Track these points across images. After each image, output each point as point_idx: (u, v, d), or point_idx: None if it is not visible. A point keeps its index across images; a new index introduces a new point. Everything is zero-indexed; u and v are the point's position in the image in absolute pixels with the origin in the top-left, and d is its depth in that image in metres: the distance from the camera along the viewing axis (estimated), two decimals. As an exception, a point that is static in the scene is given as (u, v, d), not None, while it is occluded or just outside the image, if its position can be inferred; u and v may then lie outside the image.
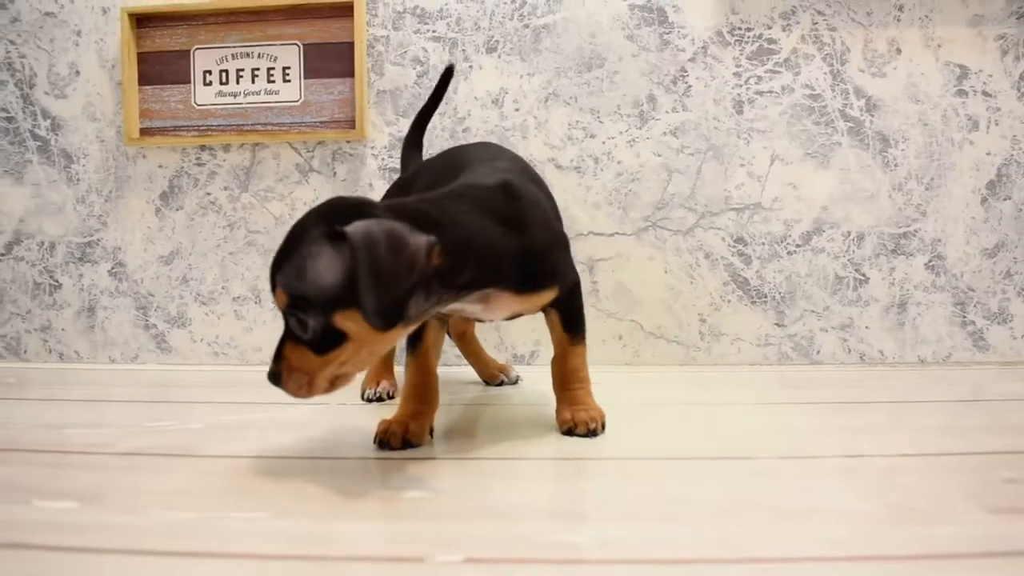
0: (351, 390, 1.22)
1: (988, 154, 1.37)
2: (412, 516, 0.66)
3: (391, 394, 1.13)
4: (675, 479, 0.77)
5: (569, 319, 0.95)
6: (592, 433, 0.90)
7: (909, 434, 0.92)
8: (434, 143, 1.40)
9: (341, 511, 0.68)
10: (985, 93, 1.37)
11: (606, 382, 1.16)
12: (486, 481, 0.77)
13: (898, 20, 1.37)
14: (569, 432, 0.91)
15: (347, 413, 1.08)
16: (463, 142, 1.40)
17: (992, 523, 0.64)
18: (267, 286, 1.44)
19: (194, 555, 0.57)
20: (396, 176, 1.41)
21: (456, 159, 1.00)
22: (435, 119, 1.40)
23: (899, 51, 1.37)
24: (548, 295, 0.90)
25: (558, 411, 0.94)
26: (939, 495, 0.71)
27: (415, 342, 0.91)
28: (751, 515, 0.66)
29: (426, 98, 1.24)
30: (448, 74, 1.22)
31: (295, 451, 0.87)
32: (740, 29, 1.38)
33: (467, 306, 0.83)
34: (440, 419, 1.00)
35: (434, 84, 1.24)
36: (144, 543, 0.60)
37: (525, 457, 0.84)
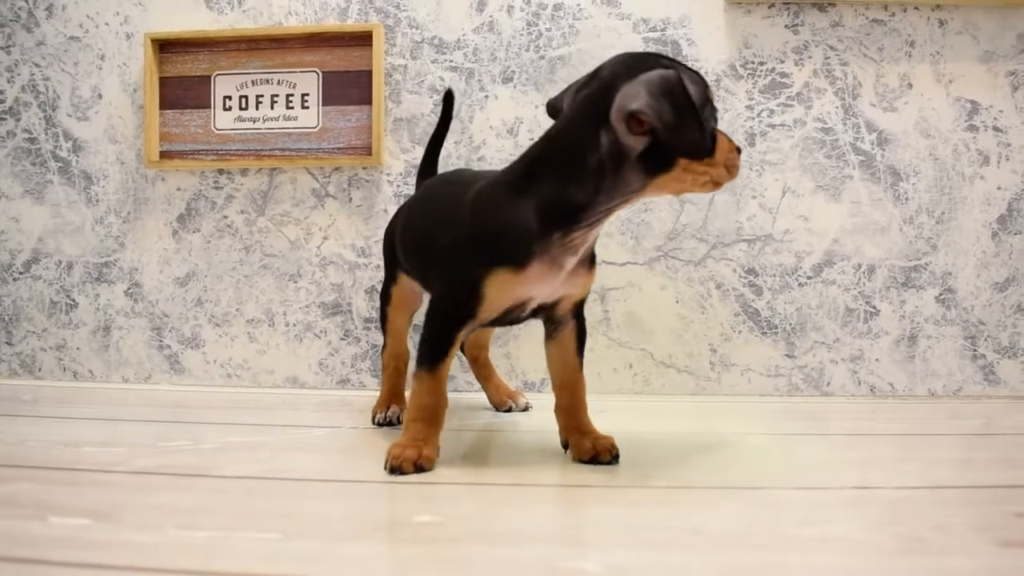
0: (360, 415, 1.23)
1: (999, 188, 1.38)
2: (422, 540, 0.67)
3: (399, 418, 1.13)
4: (685, 508, 0.77)
5: (581, 339, 0.95)
6: (616, 458, 0.90)
7: (919, 466, 0.92)
8: (449, 169, 1.41)
9: (351, 534, 0.68)
10: (996, 128, 1.38)
11: (616, 411, 1.17)
12: (496, 507, 0.78)
13: (909, 56, 1.38)
14: (593, 460, 0.90)
15: (358, 436, 1.08)
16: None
17: (1002, 556, 0.64)
18: (281, 309, 1.46)
19: (205, 574, 0.58)
20: (411, 202, 1.43)
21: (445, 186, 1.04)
22: (450, 147, 1.42)
23: (910, 86, 1.38)
24: (591, 281, 0.92)
25: (575, 441, 0.92)
26: (949, 527, 0.71)
27: (437, 360, 0.89)
28: (761, 544, 0.66)
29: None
30: (448, 99, 1.26)
31: (307, 473, 0.88)
32: (753, 63, 1.39)
33: (590, 234, 0.86)
34: (450, 444, 1.01)
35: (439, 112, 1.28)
36: (157, 561, 0.60)
37: (534, 484, 0.85)
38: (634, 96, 0.78)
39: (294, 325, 1.46)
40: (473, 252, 0.86)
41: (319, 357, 1.45)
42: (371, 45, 1.41)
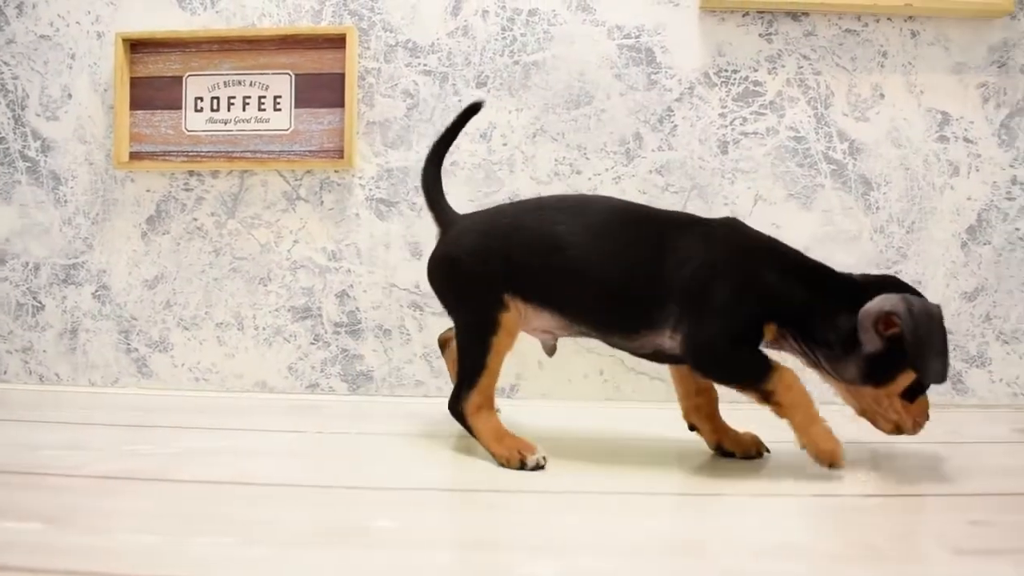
0: (327, 420, 1.22)
1: (968, 199, 1.39)
2: (379, 546, 0.66)
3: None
4: (650, 514, 0.77)
5: None
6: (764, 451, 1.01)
7: (882, 474, 0.92)
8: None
9: (307, 539, 0.67)
10: (966, 139, 1.39)
11: (587, 417, 1.17)
12: (456, 513, 0.77)
13: (882, 66, 1.39)
14: (755, 455, 0.99)
15: (323, 441, 1.08)
16: (451, 175, 1.41)
17: (954, 564, 0.64)
18: (250, 312, 1.44)
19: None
20: (383, 206, 1.42)
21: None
22: (422, 151, 1.41)
23: (882, 96, 1.39)
24: None
25: (733, 437, 1.00)
26: (905, 535, 0.72)
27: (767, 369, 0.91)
28: (721, 551, 0.66)
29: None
30: (473, 110, 1.16)
31: (268, 478, 0.87)
32: (726, 71, 1.40)
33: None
34: (415, 450, 1.00)
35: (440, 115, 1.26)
36: (107, 566, 0.60)
37: (499, 490, 0.84)
38: (894, 303, 0.87)
39: (263, 329, 1.45)
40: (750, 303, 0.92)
41: (288, 361, 1.44)
42: (344, 48, 1.41)
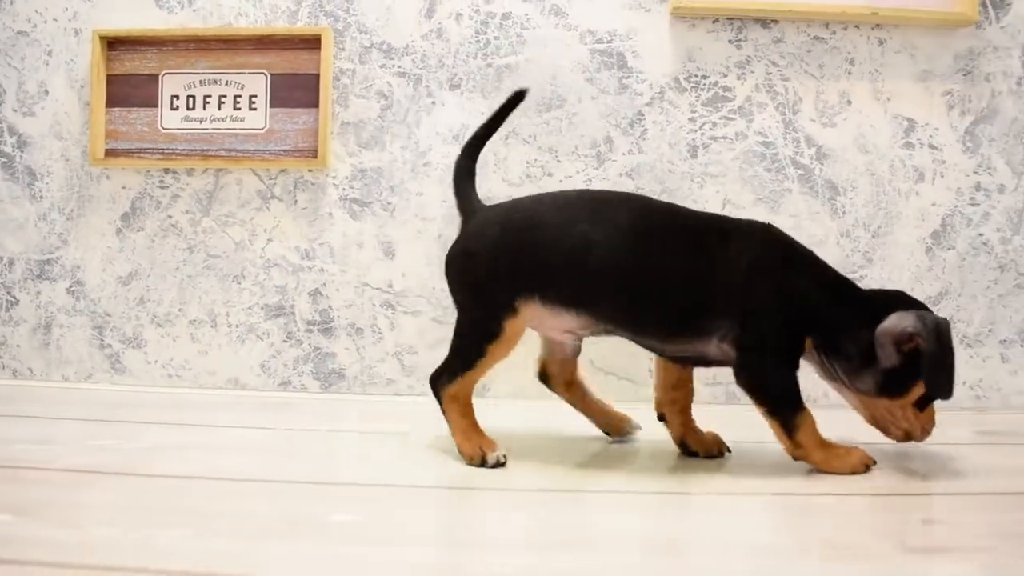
0: (299, 417, 1.23)
1: (933, 205, 1.41)
2: (337, 540, 0.68)
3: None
4: (615, 511, 0.80)
5: None
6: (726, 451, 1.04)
7: (844, 475, 0.94)
8: (395, 174, 1.43)
9: (267, 532, 0.69)
10: (931, 146, 1.41)
11: (557, 416, 1.18)
12: (417, 509, 0.79)
13: (849, 73, 1.42)
14: (716, 454, 1.03)
15: (293, 438, 1.09)
16: (424, 176, 1.42)
17: (903, 561, 0.66)
18: (223, 310, 1.46)
19: (116, 569, 0.59)
20: (357, 206, 1.43)
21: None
22: (396, 151, 1.43)
23: (849, 103, 1.42)
24: None
25: (697, 438, 1.03)
26: (857, 533, 0.74)
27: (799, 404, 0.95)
28: (683, 549, 0.68)
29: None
30: (519, 98, 1.11)
31: (234, 473, 0.88)
32: (696, 76, 1.42)
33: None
34: (382, 448, 1.02)
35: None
36: (75, 557, 0.61)
37: (463, 487, 0.86)
38: (914, 323, 0.91)
39: (237, 326, 1.46)
40: (797, 321, 0.96)
41: (261, 359, 1.45)
42: (320, 48, 1.42)
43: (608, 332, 1.00)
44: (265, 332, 1.45)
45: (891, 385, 0.94)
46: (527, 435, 1.12)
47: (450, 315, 1.41)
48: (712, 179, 1.41)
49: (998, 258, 1.41)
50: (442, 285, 1.41)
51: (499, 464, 0.94)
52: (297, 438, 1.09)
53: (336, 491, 0.83)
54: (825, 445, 0.94)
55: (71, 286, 1.49)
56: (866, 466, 0.94)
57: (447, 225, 1.43)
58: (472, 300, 1.02)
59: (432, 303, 1.43)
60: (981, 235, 1.41)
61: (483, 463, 0.94)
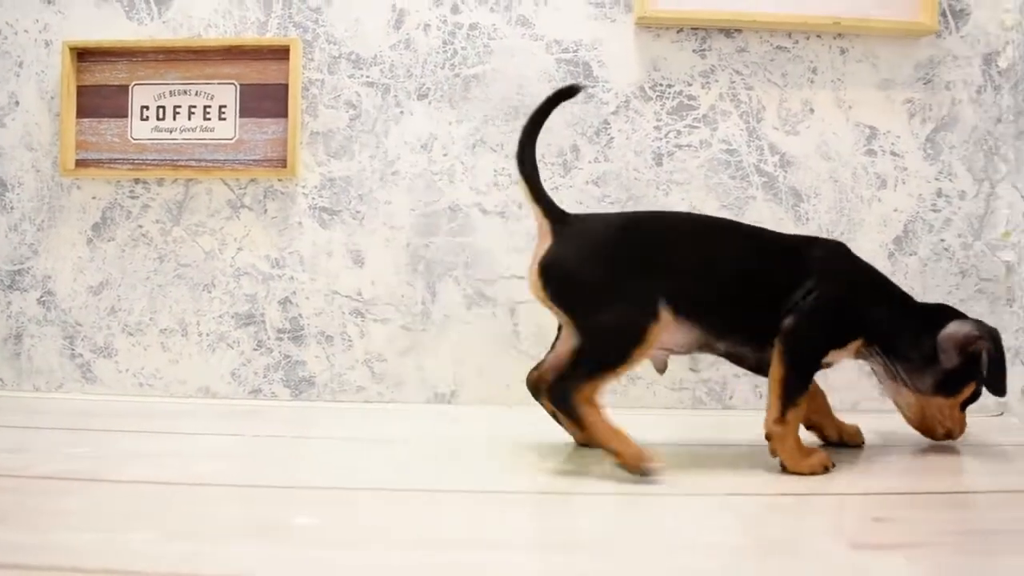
0: (269, 424, 1.24)
1: (895, 211, 1.44)
2: (298, 544, 0.69)
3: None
4: (568, 513, 0.81)
5: None
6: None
7: (795, 475, 0.96)
8: (364, 183, 1.44)
9: (230, 534, 0.70)
10: (893, 153, 1.44)
11: (524, 423, 1.20)
12: (380, 513, 0.80)
13: (812, 82, 1.44)
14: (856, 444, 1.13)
15: (262, 444, 1.10)
16: (392, 185, 1.44)
17: (853, 558, 0.68)
18: (194, 319, 1.46)
19: (82, 571, 0.60)
20: (326, 215, 1.44)
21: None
22: (364, 160, 1.44)
23: (812, 111, 1.44)
24: None
25: (835, 425, 1.13)
26: (810, 531, 0.75)
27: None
28: (639, 547, 0.70)
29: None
30: (568, 93, 1.07)
31: (201, 478, 0.90)
32: (661, 85, 1.44)
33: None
34: (349, 454, 1.03)
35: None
36: (46, 560, 0.63)
37: (428, 489, 0.87)
38: (978, 329, 1.03)
39: (207, 335, 1.46)
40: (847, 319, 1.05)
41: (232, 367, 1.46)
42: (288, 59, 1.43)
43: (702, 350, 1.05)
44: (235, 340, 1.46)
45: (948, 384, 1.06)
46: (492, 439, 1.13)
47: (419, 322, 1.43)
48: (677, 186, 1.43)
49: (959, 263, 1.43)
50: (410, 293, 1.43)
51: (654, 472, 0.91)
52: (265, 444, 1.10)
53: (299, 495, 0.84)
54: (798, 438, 0.98)
55: (42, 296, 1.49)
56: (825, 468, 0.97)
57: (415, 234, 1.44)
58: (603, 304, 0.97)
59: (401, 311, 1.44)
60: (943, 241, 1.43)
61: (644, 471, 0.91)
